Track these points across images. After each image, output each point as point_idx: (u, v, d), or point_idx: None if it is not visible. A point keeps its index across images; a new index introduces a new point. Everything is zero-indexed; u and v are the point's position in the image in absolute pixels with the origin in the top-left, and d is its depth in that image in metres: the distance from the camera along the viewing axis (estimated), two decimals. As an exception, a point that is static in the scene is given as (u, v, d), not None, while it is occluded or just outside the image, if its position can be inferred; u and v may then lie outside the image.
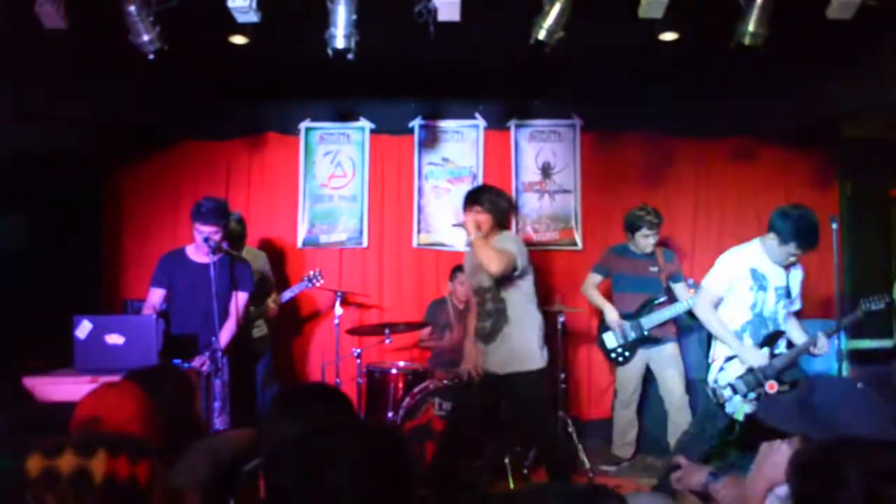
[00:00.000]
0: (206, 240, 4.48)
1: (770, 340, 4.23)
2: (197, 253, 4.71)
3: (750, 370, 4.19)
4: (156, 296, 4.73)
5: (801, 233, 4.03)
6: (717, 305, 4.31)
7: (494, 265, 4.18)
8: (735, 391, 4.21)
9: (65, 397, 3.99)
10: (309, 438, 1.53)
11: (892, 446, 1.59)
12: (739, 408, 4.20)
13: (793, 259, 4.15)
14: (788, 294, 4.25)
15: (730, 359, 4.25)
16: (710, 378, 4.32)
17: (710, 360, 4.41)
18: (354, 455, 1.47)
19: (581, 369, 6.37)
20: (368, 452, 1.49)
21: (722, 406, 4.25)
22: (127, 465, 1.27)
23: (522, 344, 4.34)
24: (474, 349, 4.61)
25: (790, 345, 4.28)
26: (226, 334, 4.56)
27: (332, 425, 1.57)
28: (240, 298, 4.67)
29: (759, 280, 4.21)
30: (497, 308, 4.37)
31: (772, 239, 4.14)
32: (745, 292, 4.23)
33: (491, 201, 4.43)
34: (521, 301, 4.39)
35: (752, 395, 4.18)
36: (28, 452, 1.23)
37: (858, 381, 2.04)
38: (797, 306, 4.40)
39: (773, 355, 4.22)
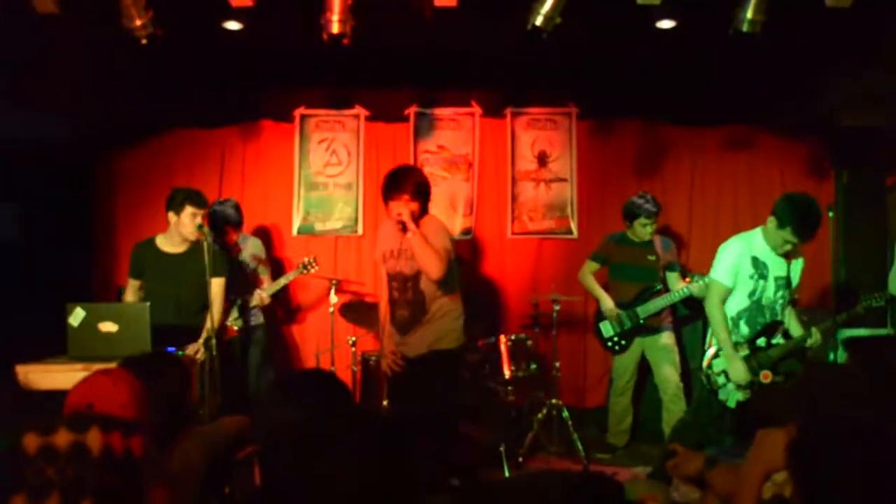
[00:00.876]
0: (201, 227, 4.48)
1: (768, 330, 4.23)
2: (166, 242, 4.71)
3: (745, 358, 4.19)
4: (131, 286, 4.83)
5: (798, 219, 4.01)
6: (725, 299, 4.27)
7: (437, 271, 3.99)
8: (729, 378, 4.21)
9: (58, 385, 3.97)
10: (305, 426, 1.51)
11: (889, 429, 1.59)
12: (732, 395, 4.22)
13: (788, 247, 4.12)
14: (789, 284, 4.24)
15: None
16: (705, 364, 4.32)
17: (705, 347, 4.42)
18: (350, 442, 1.46)
19: (576, 358, 6.37)
20: (364, 439, 1.47)
21: (715, 393, 4.26)
22: (121, 438, 1.26)
23: (441, 333, 4.17)
24: (390, 342, 4.30)
25: (787, 336, 4.27)
26: (216, 320, 4.54)
27: (328, 412, 1.56)
28: (214, 285, 4.64)
29: (759, 268, 4.21)
30: (416, 299, 4.16)
31: (771, 223, 4.14)
32: (746, 280, 4.22)
33: (419, 186, 4.11)
34: (443, 292, 4.17)
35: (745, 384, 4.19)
36: (21, 433, 1.23)
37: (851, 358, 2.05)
38: (794, 296, 4.40)
39: (769, 345, 4.22)
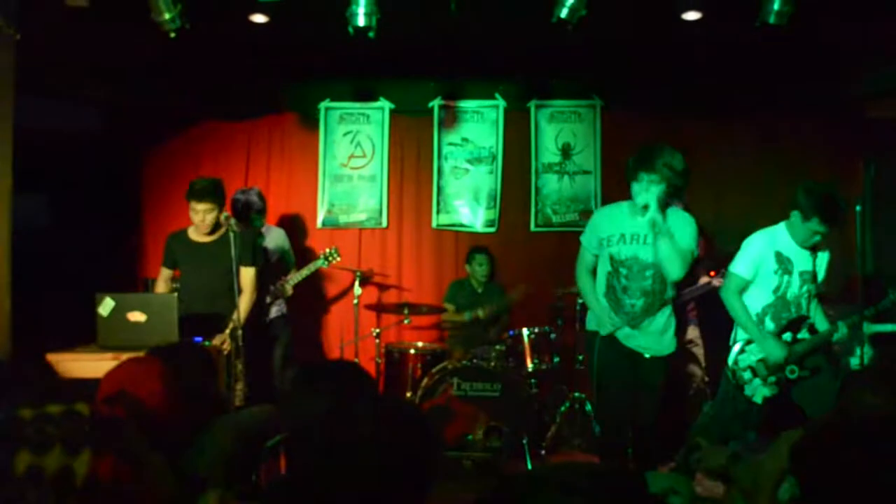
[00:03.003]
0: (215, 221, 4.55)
1: (793, 325, 4.18)
2: (197, 233, 4.76)
3: None
4: (164, 275, 4.89)
5: (823, 207, 3.95)
6: (743, 291, 4.25)
7: (678, 272, 3.88)
8: (755, 374, 4.18)
9: (87, 374, 4.03)
10: (332, 416, 1.53)
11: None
12: (759, 391, 4.17)
13: (817, 238, 4.06)
14: (815, 279, 4.19)
15: (751, 341, 4.22)
16: (731, 360, 4.28)
17: (731, 343, 4.38)
18: (377, 433, 1.48)
19: (599, 351, 6.35)
20: (391, 430, 1.49)
21: (741, 388, 4.22)
22: (111, 465, 1.29)
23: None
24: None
25: (813, 330, 4.22)
26: (243, 310, 4.58)
27: (352, 401, 1.58)
28: (245, 274, 4.70)
29: (783, 263, 4.16)
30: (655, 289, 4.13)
31: (795, 217, 4.08)
32: (770, 275, 4.17)
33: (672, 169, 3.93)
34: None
35: (772, 379, 4.14)
36: (17, 444, 1.26)
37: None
38: (821, 290, 4.35)
39: (795, 340, 4.18)
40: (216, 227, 4.70)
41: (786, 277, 4.16)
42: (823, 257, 4.24)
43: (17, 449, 1.24)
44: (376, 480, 1.44)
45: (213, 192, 4.64)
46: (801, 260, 4.16)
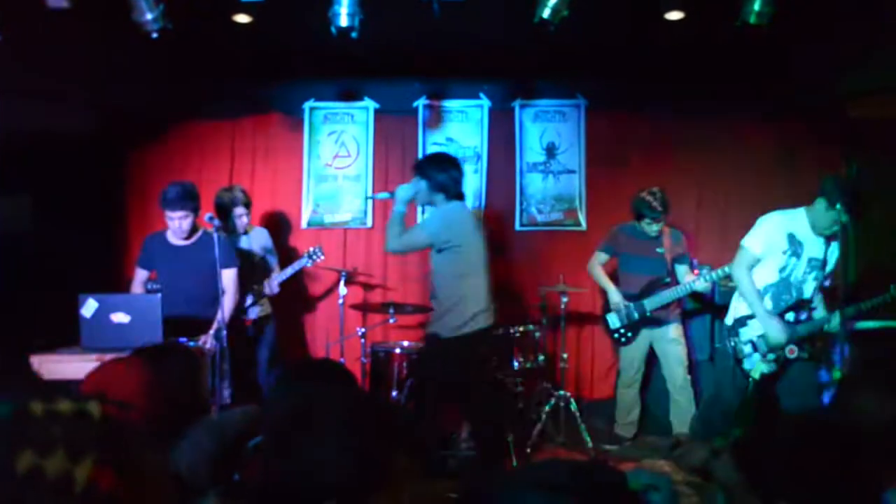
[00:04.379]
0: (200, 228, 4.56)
1: (796, 307, 4.23)
2: (173, 234, 4.76)
3: None
4: (139, 276, 4.89)
5: (849, 196, 3.97)
6: (753, 267, 4.28)
7: None
8: (756, 349, 4.23)
9: (70, 375, 4.03)
10: (298, 413, 1.54)
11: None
12: (757, 366, 4.19)
13: (836, 228, 4.06)
14: (824, 266, 4.23)
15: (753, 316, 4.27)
16: (731, 334, 4.33)
17: (725, 321, 4.43)
18: (349, 429, 1.49)
19: (584, 349, 6.39)
20: (362, 426, 1.50)
21: (740, 362, 4.27)
22: (112, 477, 1.29)
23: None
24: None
25: (812, 317, 4.27)
26: (227, 311, 4.58)
27: (329, 400, 1.59)
28: (226, 275, 4.70)
29: (794, 246, 4.20)
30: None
31: (820, 203, 4.10)
32: (778, 255, 4.22)
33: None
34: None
35: (771, 357, 4.20)
36: (21, 443, 1.26)
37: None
38: (827, 282, 4.37)
39: (797, 321, 4.23)
40: (193, 230, 4.71)
41: (793, 260, 4.21)
42: (836, 248, 4.25)
43: (21, 447, 1.23)
44: (350, 478, 1.45)
45: (186, 199, 4.64)
46: (814, 246, 4.21)
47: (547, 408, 5.43)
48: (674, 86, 6.20)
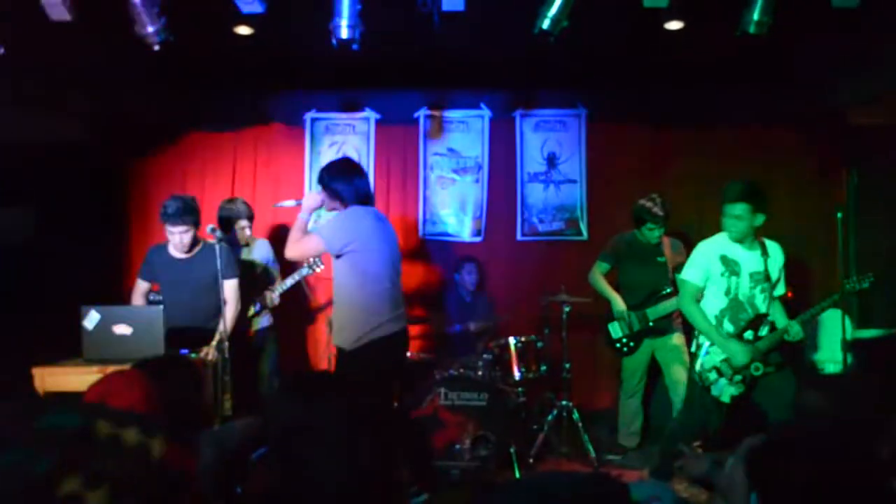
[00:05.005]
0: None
1: (754, 324, 4.26)
2: (176, 250, 4.77)
3: None
4: (140, 287, 4.88)
5: (748, 195, 4.16)
6: (700, 298, 4.38)
7: None
8: (721, 374, 4.26)
9: (73, 387, 4.03)
10: (309, 426, 1.54)
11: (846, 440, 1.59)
12: (725, 390, 4.26)
13: (739, 225, 4.20)
14: (768, 279, 4.29)
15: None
16: (696, 363, 4.36)
17: (692, 349, 4.48)
18: (351, 442, 1.49)
19: (587, 359, 6.37)
20: (365, 439, 1.50)
21: (707, 389, 4.29)
22: (179, 455, 1.30)
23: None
24: None
25: (773, 328, 4.31)
26: (229, 322, 4.58)
27: (333, 413, 1.59)
28: (228, 286, 4.70)
29: (730, 266, 4.29)
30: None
31: (725, 211, 4.27)
32: (718, 279, 4.31)
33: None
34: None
35: (738, 378, 4.23)
36: (94, 415, 1.26)
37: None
38: (781, 291, 4.43)
39: (756, 338, 4.26)
40: (194, 243, 4.72)
41: (734, 279, 4.29)
42: (775, 258, 4.35)
43: (70, 470, 1.22)
44: (353, 489, 1.45)
45: (187, 213, 4.63)
46: (751, 262, 4.30)
47: (550, 418, 5.42)
48: (674, 94, 6.21)
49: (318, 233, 4.10)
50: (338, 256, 4.08)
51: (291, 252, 4.13)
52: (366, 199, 4.20)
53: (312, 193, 4.29)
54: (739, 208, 4.17)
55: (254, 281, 5.47)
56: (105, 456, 1.25)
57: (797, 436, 1.63)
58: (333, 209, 4.21)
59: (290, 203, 4.54)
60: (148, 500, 1.27)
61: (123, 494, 1.24)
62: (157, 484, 1.29)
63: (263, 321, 5.57)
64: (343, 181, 4.14)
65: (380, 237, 4.12)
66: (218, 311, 4.53)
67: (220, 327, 4.46)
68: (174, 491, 1.33)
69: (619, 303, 5.44)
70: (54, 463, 1.22)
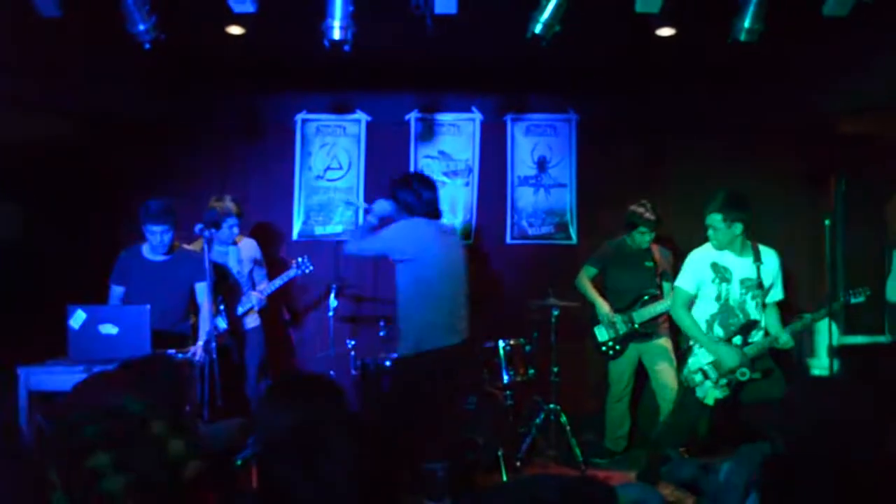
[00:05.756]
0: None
1: (744, 330, 4.28)
2: (151, 251, 4.74)
3: None
4: (115, 293, 4.81)
5: (727, 205, 4.22)
6: (691, 305, 4.42)
7: None
8: (706, 376, 4.27)
9: (59, 387, 4.00)
10: (303, 431, 1.53)
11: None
12: (710, 393, 4.28)
13: (720, 235, 4.25)
14: (760, 285, 4.31)
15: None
16: (682, 366, 4.40)
17: (682, 350, 4.52)
18: (342, 446, 1.48)
19: (575, 363, 6.36)
20: (355, 444, 1.50)
21: (692, 391, 4.31)
22: (207, 485, 1.31)
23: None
24: None
25: (766, 334, 4.33)
26: (209, 322, 4.57)
27: (322, 416, 1.58)
28: (198, 290, 4.72)
29: (720, 272, 4.33)
30: None
31: (709, 222, 4.32)
32: (709, 285, 4.35)
33: None
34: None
35: (723, 382, 4.25)
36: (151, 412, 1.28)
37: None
38: (778, 296, 4.44)
39: (746, 344, 4.27)
40: (171, 246, 4.70)
41: (724, 285, 4.33)
42: (770, 264, 4.37)
43: (118, 468, 1.21)
44: (344, 495, 1.44)
45: (168, 213, 4.63)
46: (743, 269, 4.34)
47: (537, 421, 5.41)
48: (664, 101, 6.23)
49: (380, 236, 4.28)
50: (398, 262, 4.27)
51: (352, 248, 4.38)
52: (433, 212, 4.38)
53: (381, 201, 4.44)
54: (713, 219, 4.27)
55: (242, 281, 5.46)
56: (143, 453, 1.26)
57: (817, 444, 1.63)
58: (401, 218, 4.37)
59: (363, 205, 4.80)
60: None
61: (141, 489, 1.24)
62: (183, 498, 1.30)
63: (251, 322, 5.55)
64: (411, 193, 4.34)
65: (439, 249, 4.27)
66: (186, 315, 4.56)
67: (208, 327, 4.44)
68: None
69: (603, 306, 5.46)
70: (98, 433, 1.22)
